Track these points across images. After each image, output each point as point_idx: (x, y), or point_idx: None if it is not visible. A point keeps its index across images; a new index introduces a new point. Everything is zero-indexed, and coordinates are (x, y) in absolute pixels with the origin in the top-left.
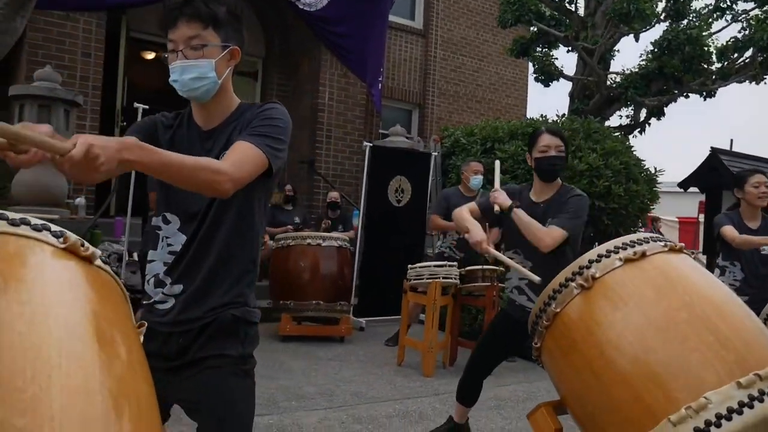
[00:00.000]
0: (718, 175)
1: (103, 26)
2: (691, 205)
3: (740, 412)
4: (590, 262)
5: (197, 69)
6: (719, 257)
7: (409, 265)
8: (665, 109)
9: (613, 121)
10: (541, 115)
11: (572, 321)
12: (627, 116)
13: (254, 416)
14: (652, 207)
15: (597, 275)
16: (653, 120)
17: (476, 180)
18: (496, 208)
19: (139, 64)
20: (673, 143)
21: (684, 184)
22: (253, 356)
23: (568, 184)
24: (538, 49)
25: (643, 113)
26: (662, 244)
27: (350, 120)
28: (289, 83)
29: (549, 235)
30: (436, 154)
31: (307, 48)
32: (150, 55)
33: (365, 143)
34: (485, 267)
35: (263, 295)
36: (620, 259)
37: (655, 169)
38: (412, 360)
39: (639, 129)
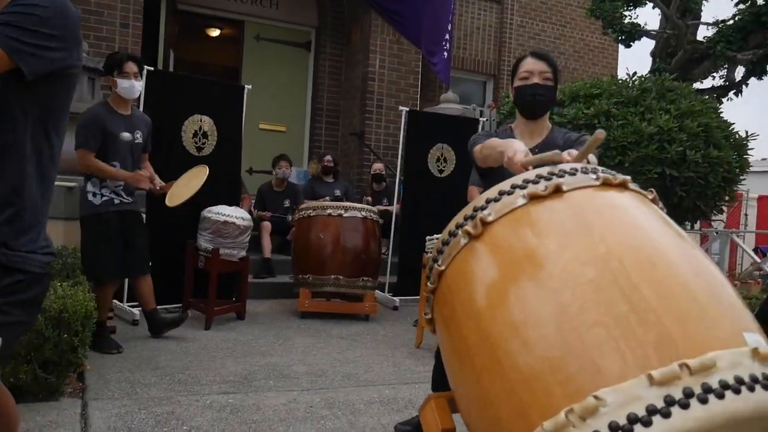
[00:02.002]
0: None
1: None
2: None
3: (647, 423)
4: (488, 201)
5: None
6: None
7: (427, 237)
8: None
9: (707, 83)
10: (611, 75)
11: (454, 282)
12: (721, 77)
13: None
14: (742, 177)
15: (490, 219)
16: (754, 81)
17: None
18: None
19: (190, 38)
20: None
21: None
22: (7, 310)
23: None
24: (618, 7)
25: (740, 72)
26: (593, 176)
27: (404, 89)
28: (342, 53)
29: None
30: (485, 120)
31: (359, 16)
32: (214, 32)
33: (401, 108)
34: None
35: (287, 270)
36: (524, 197)
37: (747, 132)
38: (434, 342)
39: (734, 91)
